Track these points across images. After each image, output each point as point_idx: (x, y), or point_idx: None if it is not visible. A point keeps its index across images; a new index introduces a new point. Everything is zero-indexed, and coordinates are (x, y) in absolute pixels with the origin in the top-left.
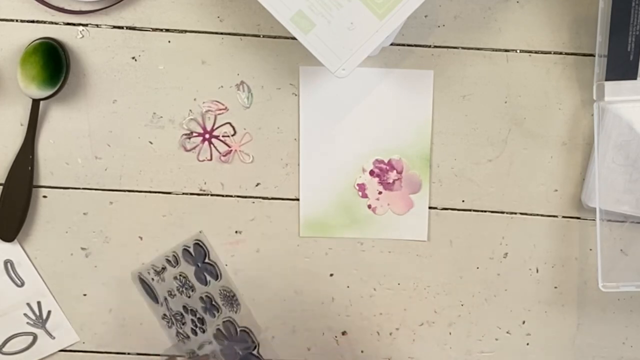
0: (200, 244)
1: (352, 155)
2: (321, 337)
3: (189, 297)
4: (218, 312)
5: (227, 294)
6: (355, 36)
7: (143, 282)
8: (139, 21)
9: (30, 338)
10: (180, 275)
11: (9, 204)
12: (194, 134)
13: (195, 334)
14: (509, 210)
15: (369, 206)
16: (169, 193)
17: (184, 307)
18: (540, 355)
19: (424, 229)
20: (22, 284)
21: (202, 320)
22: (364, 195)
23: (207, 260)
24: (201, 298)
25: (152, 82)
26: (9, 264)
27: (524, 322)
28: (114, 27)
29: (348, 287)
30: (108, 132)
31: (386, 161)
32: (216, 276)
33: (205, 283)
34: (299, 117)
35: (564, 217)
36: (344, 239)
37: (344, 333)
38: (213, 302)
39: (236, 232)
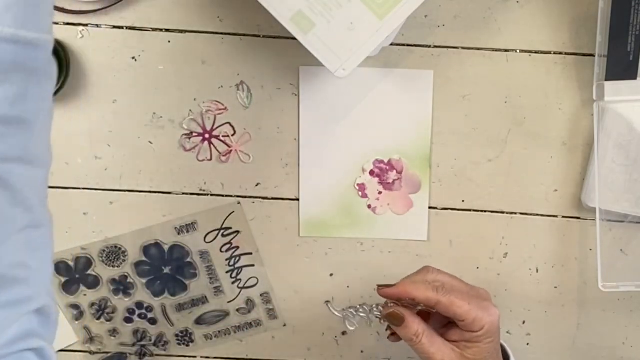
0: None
1: (352, 155)
2: (321, 337)
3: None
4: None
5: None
6: (355, 36)
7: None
8: (139, 21)
9: None
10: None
11: None
12: (194, 134)
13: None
14: (509, 210)
15: (369, 206)
16: (169, 193)
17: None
18: (540, 355)
19: (424, 229)
20: None
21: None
22: (364, 195)
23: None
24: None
25: (152, 82)
26: None
27: (524, 322)
28: (114, 27)
29: (348, 287)
30: (108, 132)
31: (386, 161)
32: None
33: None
34: (299, 117)
35: (564, 217)
36: (344, 239)
37: (344, 333)
38: None
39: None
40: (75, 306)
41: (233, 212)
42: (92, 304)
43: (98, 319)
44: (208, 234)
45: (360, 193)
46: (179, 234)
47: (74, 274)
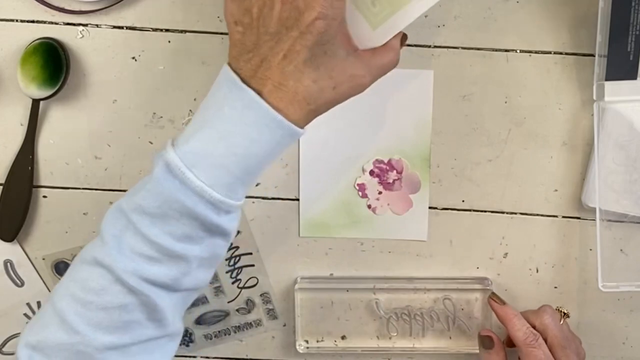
0: None
1: (352, 155)
2: None
3: None
4: None
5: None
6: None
7: None
8: (139, 21)
9: None
10: None
11: (9, 204)
12: None
13: None
14: (509, 210)
15: (369, 206)
16: None
17: None
18: None
19: (423, 229)
20: (22, 284)
21: None
22: (364, 195)
23: None
24: None
25: (152, 82)
26: (9, 264)
27: None
28: (114, 27)
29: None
30: (108, 132)
31: (386, 161)
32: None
33: None
34: None
35: (564, 217)
36: (344, 239)
37: (343, 337)
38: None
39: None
40: None
41: None
42: None
43: None
44: None
45: (360, 193)
46: None
47: None
